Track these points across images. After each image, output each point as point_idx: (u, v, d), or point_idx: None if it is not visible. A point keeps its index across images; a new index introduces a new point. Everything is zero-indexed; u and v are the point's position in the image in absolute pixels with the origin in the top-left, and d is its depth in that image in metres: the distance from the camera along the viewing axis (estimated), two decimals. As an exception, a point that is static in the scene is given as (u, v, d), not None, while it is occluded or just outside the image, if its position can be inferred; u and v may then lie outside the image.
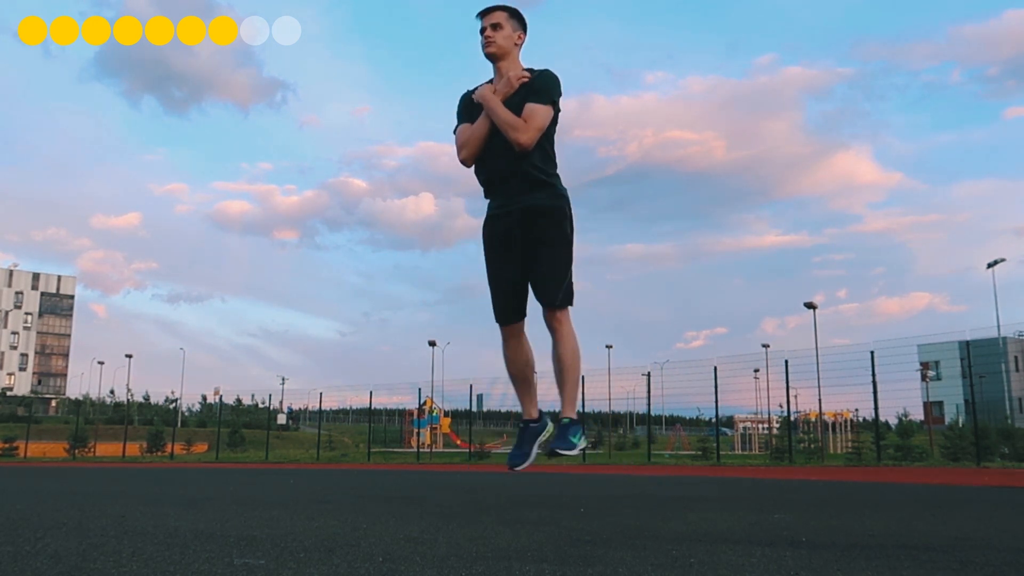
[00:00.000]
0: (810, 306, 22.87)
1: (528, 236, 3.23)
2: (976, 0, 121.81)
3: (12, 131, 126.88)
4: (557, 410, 3.41)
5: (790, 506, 3.84)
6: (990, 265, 37.75)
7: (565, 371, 3.32)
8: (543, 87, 3.22)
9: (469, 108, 3.33)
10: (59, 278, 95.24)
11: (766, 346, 29.09)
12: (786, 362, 18.85)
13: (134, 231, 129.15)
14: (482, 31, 3.29)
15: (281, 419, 51.90)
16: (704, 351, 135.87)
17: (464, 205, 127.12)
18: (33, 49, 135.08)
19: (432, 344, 32.89)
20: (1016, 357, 53.96)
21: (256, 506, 3.55)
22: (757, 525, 2.73)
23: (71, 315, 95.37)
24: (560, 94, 3.27)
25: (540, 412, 3.39)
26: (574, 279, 3.31)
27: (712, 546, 2.10)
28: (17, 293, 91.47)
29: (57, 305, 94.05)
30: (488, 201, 3.36)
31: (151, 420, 45.59)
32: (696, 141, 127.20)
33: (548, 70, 3.29)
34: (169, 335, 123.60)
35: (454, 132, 3.37)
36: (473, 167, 3.34)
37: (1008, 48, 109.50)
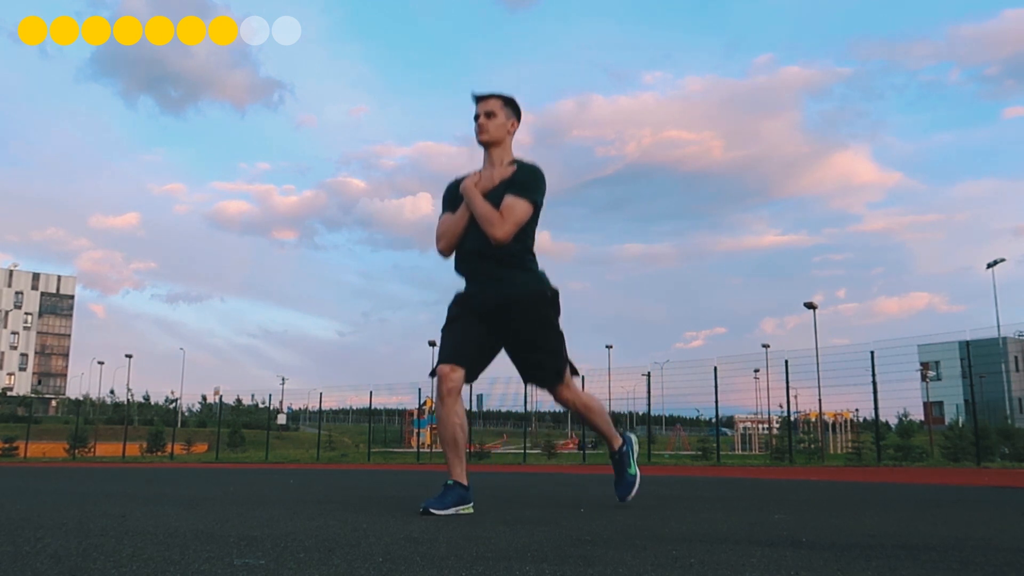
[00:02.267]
0: (810, 306, 22.86)
1: (508, 324, 3.24)
2: (975, 0, 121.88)
3: (10, 131, 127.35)
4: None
5: (790, 506, 3.84)
6: (990, 265, 37.77)
7: (593, 413, 3.49)
8: (525, 183, 3.22)
9: (453, 198, 3.36)
10: (59, 278, 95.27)
11: (766, 346, 29.14)
12: (786, 362, 18.87)
13: (133, 231, 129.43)
14: (476, 118, 3.30)
15: (281, 419, 51.89)
16: (703, 351, 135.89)
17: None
18: (30, 49, 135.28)
19: (432, 344, 32.87)
20: (1016, 357, 53.93)
21: (256, 506, 3.55)
22: (757, 525, 2.73)
23: (71, 315, 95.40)
24: (543, 192, 3.27)
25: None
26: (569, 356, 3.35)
27: (712, 546, 2.10)
28: (17, 293, 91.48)
29: (57, 305, 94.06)
30: (464, 286, 3.36)
31: (151, 420, 45.62)
32: (694, 141, 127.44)
33: (533, 166, 3.29)
34: (169, 335, 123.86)
35: (439, 217, 3.40)
36: (452, 258, 3.36)
37: (1007, 48, 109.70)
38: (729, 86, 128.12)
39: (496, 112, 3.30)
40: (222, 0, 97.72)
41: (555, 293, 3.30)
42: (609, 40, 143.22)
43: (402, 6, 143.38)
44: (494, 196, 3.20)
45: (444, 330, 3.33)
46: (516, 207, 3.16)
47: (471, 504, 3.11)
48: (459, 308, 3.29)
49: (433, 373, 3.23)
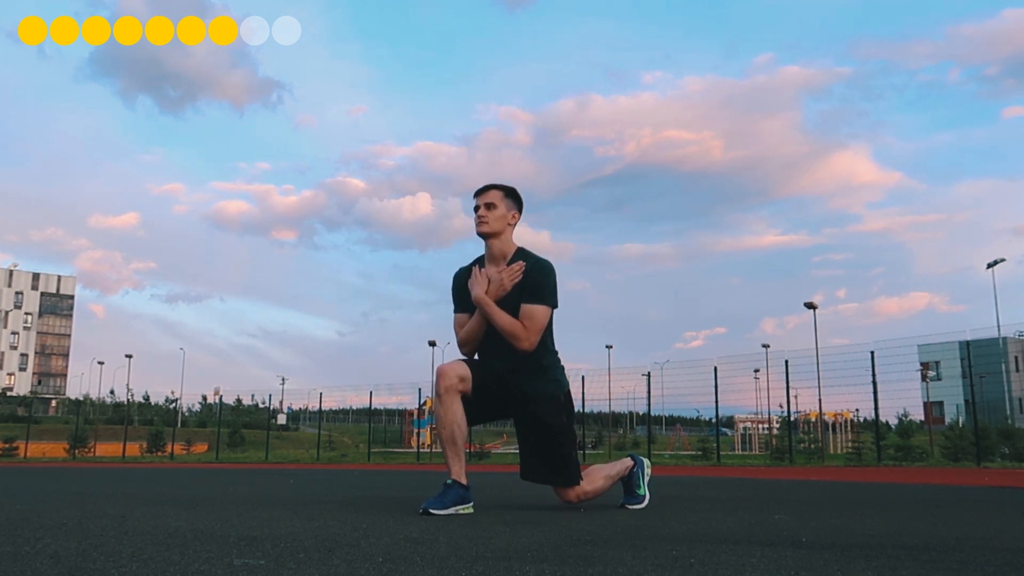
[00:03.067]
0: (810, 306, 22.87)
1: (525, 412, 3.29)
2: (974, 0, 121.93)
3: (9, 131, 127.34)
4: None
5: (790, 506, 3.84)
6: (990, 265, 37.75)
7: (600, 489, 3.47)
8: (539, 287, 3.22)
9: (463, 295, 3.35)
10: (59, 278, 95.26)
11: (766, 346, 29.13)
12: (786, 362, 18.88)
13: (132, 231, 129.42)
14: (475, 209, 3.30)
15: (281, 419, 51.90)
16: (703, 351, 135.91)
17: (460, 205, 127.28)
18: (29, 49, 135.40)
19: (432, 344, 32.91)
20: (1016, 357, 53.96)
21: (256, 506, 3.55)
22: (757, 525, 2.73)
23: (71, 315, 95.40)
24: (556, 288, 3.27)
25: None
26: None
27: (712, 546, 2.10)
28: (17, 293, 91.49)
29: (57, 305, 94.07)
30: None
31: (151, 420, 45.65)
32: (694, 141, 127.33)
33: (543, 264, 3.27)
34: (168, 335, 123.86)
35: (454, 314, 3.39)
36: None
37: (1006, 47, 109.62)
38: (729, 86, 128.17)
39: (497, 204, 3.30)
40: (220, 0, 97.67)
41: (567, 395, 3.34)
42: (608, 40, 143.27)
43: (401, 6, 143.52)
44: (508, 303, 3.20)
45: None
46: (536, 315, 3.18)
47: (471, 504, 3.10)
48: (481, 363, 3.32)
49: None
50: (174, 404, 56.63)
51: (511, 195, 3.35)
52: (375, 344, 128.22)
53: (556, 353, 3.38)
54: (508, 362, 3.23)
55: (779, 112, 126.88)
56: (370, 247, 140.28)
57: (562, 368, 3.39)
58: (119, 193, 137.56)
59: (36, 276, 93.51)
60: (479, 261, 3.37)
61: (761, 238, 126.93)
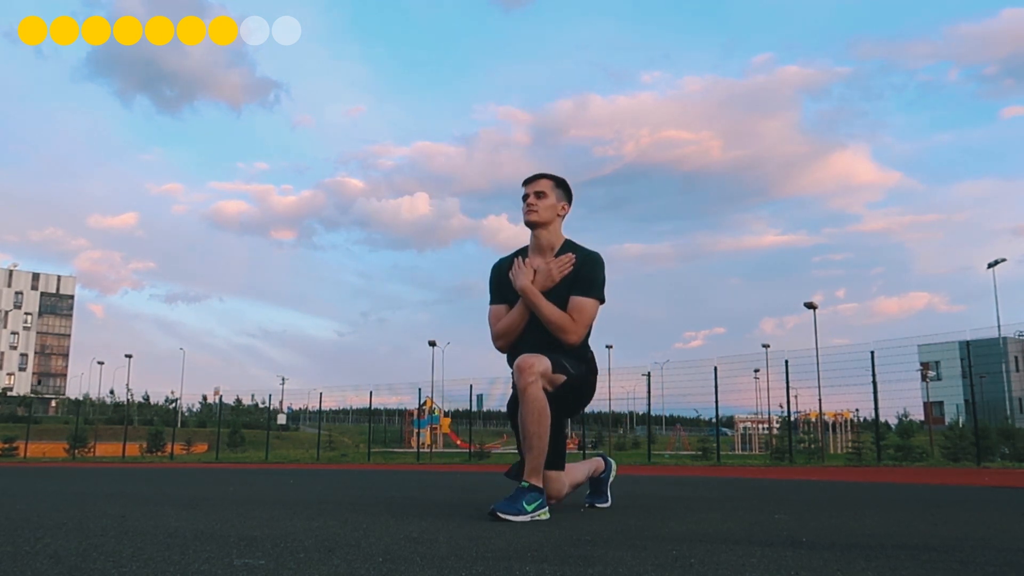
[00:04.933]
0: (810, 306, 22.88)
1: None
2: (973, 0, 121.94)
3: (8, 131, 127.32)
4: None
5: (790, 506, 3.84)
6: (991, 265, 37.77)
7: (580, 480, 3.38)
8: (590, 279, 3.08)
9: (503, 286, 3.20)
10: (59, 278, 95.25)
11: (766, 346, 29.16)
12: (786, 362, 18.88)
13: (131, 231, 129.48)
14: (524, 198, 3.18)
15: (281, 419, 51.90)
16: (703, 351, 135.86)
17: (459, 205, 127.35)
18: (27, 49, 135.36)
19: (432, 344, 32.90)
20: (1016, 357, 53.95)
21: (256, 506, 3.55)
22: (757, 525, 2.73)
23: (71, 315, 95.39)
24: (605, 283, 3.12)
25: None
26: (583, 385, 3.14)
27: (712, 546, 2.10)
28: (17, 293, 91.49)
29: (57, 305, 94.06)
30: None
31: (151, 420, 45.67)
32: (693, 140, 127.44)
33: (594, 257, 3.14)
34: (168, 335, 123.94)
35: (489, 305, 3.25)
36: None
37: (1006, 47, 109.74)
38: (728, 86, 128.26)
39: (547, 193, 3.16)
40: (217, 0, 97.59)
41: (592, 384, 3.23)
42: (607, 40, 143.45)
43: (399, 6, 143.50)
44: (555, 295, 3.07)
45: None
46: (586, 309, 3.05)
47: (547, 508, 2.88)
48: None
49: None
50: (174, 404, 56.69)
51: (562, 185, 3.22)
52: (375, 344, 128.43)
53: (590, 349, 3.24)
54: (547, 349, 3.04)
55: (778, 112, 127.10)
56: (369, 247, 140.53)
57: (595, 364, 3.25)
58: (118, 193, 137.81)
59: (36, 276, 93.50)
60: (521, 252, 3.23)
61: (761, 238, 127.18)
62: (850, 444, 21.48)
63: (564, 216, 3.23)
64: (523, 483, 2.85)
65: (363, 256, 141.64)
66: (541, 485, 2.86)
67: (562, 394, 3.02)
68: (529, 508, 2.77)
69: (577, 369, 3.08)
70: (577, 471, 3.37)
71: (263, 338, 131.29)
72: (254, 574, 1.60)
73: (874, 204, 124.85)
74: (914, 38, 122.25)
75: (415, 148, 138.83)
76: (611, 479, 3.55)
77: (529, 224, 3.18)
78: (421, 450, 29.25)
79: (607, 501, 3.50)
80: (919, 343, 22.82)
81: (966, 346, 17.89)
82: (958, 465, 14.34)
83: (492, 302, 3.25)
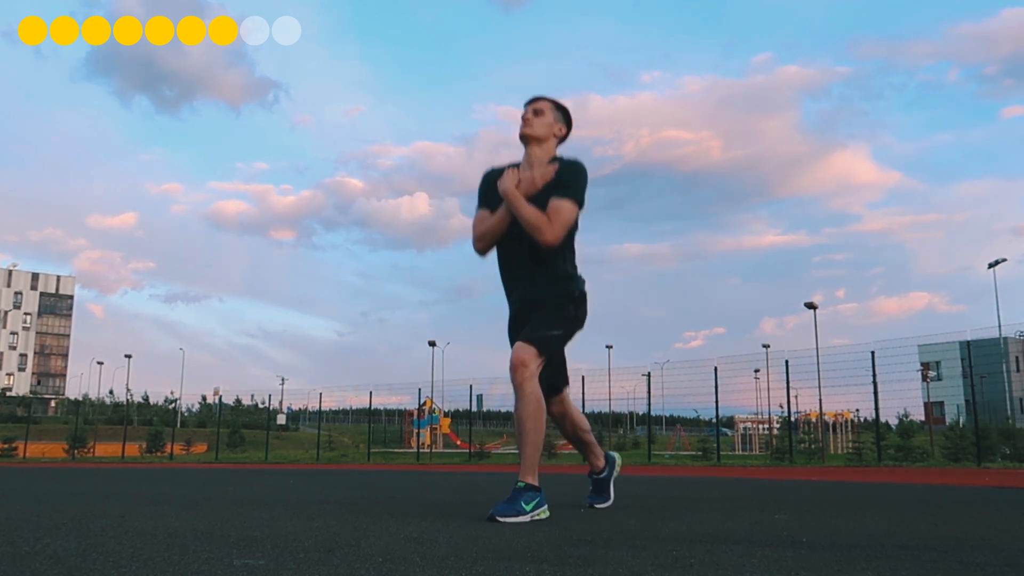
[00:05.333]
0: (810, 306, 22.87)
1: (528, 318, 3.12)
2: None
3: (7, 131, 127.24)
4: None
5: (790, 506, 3.84)
6: (991, 265, 37.74)
7: (583, 432, 3.42)
8: (569, 182, 3.09)
9: (489, 191, 3.21)
10: (58, 278, 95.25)
11: (766, 346, 29.17)
12: (786, 362, 18.88)
13: (131, 231, 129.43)
14: (523, 116, 3.19)
15: (281, 419, 51.88)
16: (703, 351, 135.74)
17: (459, 205, 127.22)
18: (25, 49, 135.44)
19: (432, 344, 32.90)
20: (1017, 357, 53.92)
21: (256, 506, 3.55)
22: (757, 525, 2.73)
23: (70, 315, 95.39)
24: (586, 188, 3.15)
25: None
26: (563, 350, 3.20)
27: (712, 546, 2.10)
28: (16, 293, 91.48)
29: (56, 305, 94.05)
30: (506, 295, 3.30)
31: (150, 420, 45.62)
32: (693, 140, 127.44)
33: (576, 162, 3.17)
34: (168, 335, 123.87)
35: (476, 210, 3.24)
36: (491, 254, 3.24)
37: (1006, 47, 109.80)
38: (727, 86, 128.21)
39: (545, 112, 3.18)
40: (217, 0, 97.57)
41: (582, 295, 3.20)
42: (607, 40, 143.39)
43: (398, 6, 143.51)
44: (537, 200, 3.07)
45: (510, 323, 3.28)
46: (563, 209, 3.04)
47: (545, 507, 2.88)
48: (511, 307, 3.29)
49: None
50: (173, 404, 56.70)
51: (561, 109, 3.24)
52: (374, 344, 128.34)
53: (576, 269, 3.22)
54: (526, 253, 3.10)
55: (778, 112, 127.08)
56: (368, 247, 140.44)
57: (582, 280, 3.23)
58: (117, 193, 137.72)
59: (35, 276, 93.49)
60: (514, 166, 3.22)
61: (761, 238, 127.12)
62: (850, 444, 21.49)
63: (560, 138, 3.25)
64: (519, 483, 2.83)
65: (363, 256, 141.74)
66: (538, 483, 2.85)
67: (559, 351, 3.16)
68: (528, 508, 2.76)
69: (560, 322, 3.10)
70: (586, 426, 3.46)
71: (263, 338, 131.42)
72: (254, 574, 1.60)
73: (874, 204, 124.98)
74: (914, 38, 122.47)
75: (415, 148, 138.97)
76: (614, 476, 3.55)
77: (522, 138, 3.18)
78: (421, 450, 29.24)
79: (608, 500, 3.50)
80: (919, 343, 22.78)
81: (966, 346, 17.87)
82: (958, 465, 14.35)
83: (479, 206, 3.27)
